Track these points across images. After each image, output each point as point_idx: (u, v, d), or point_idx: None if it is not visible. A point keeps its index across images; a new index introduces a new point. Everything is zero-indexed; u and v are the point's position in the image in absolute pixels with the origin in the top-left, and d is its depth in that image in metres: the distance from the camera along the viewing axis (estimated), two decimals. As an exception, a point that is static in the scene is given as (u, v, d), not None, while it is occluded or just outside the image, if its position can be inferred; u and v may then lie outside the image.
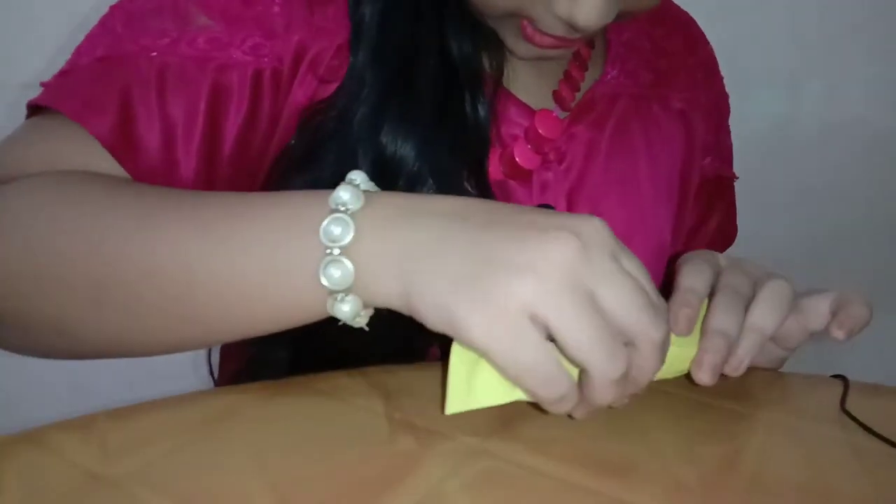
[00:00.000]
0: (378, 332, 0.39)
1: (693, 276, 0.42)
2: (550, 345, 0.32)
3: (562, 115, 0.55)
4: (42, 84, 0.43)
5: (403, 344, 0.46)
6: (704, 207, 0.68)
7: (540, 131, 0.52)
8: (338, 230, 0.34)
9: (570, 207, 0.55)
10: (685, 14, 0.67)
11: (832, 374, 0.47)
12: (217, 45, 0.43)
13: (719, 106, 0.69)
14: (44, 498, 0.30)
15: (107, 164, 0.42)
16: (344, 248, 0.34)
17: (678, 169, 0.62)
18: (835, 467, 0.36)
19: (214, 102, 0.44)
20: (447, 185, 0.47)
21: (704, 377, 0.39)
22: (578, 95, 0.57)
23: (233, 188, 0.45)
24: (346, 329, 0.37)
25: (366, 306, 0.35)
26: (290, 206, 0.36)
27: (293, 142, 0.47)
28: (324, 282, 0.34)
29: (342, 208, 0.34)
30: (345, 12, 0.48)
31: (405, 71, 0.47)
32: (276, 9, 0.45)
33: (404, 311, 0.34)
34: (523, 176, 0.53)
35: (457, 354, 0.35)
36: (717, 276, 0.43)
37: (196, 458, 0.34)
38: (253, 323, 0.38)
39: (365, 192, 0.36)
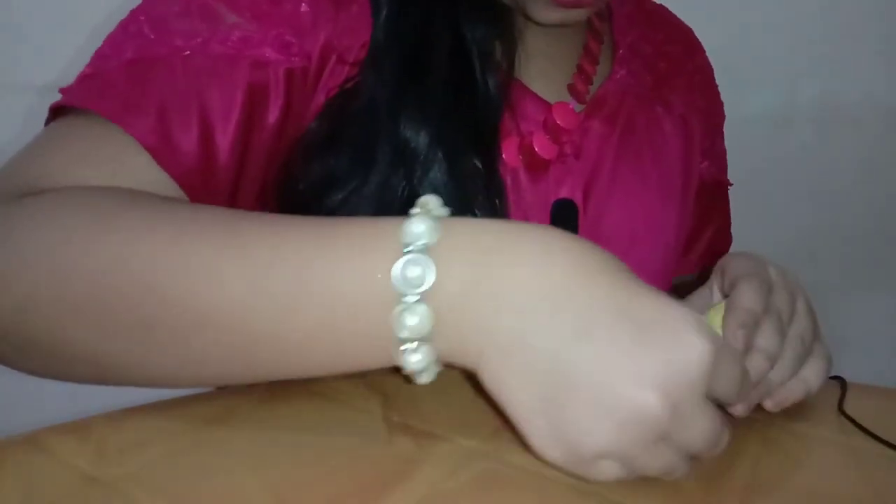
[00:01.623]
0: None
1: (752, 295, 0.40)
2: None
3: (577, 108, 0.57)
4: (62, 90, 0.42)
5: None
6: (702, 214, 0.68)
7: (558, 122, 0.53)
8: (416, 272, 0.31)
9: (585, 201, 0.56)
10: (684, 23, 0.69)
11: (830, 375, 0.47)
12: (249, 43, 0.43)
13: (715, 112, 0.70)
14: (40, 500, 0.30)
15: (141, 166, 0.40)
16: (423, 293, 0.31)
17: (680, 170, 0.63)
18: (833, 469, 0.36)
19: (250, 100, 0.43)
20: (459, 169, 0.47)
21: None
22: (591, 90, 0.58)
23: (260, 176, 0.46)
24: None
25: (439, 361, 0.33)
26: (355, 242, 0.33)
27: (314, 125, 0.48)
28: (397, 330, 0.31)
29: (417, 243, 0.31)
30: (368, 10, 0.48)
31: (421, 57, 0.48)
32: (304, 7, 0.45)
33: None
34: (541, 166, 0.54)
35: None
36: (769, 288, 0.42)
37: (193, 461, 0.33)
38: (308, 372, 0.35)
39: (442, 220, 0.32)
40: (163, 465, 0.33)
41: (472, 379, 0.44)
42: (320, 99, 0.48)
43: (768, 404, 0.41)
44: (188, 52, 0.41)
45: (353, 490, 0.32)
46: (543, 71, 0.56)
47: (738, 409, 0.39)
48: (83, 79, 0.42)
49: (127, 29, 0.43)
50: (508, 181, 0.52)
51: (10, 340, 0.35)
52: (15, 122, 0.94)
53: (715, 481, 0.34)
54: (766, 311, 0.40)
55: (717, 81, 0.71)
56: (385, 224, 0.33)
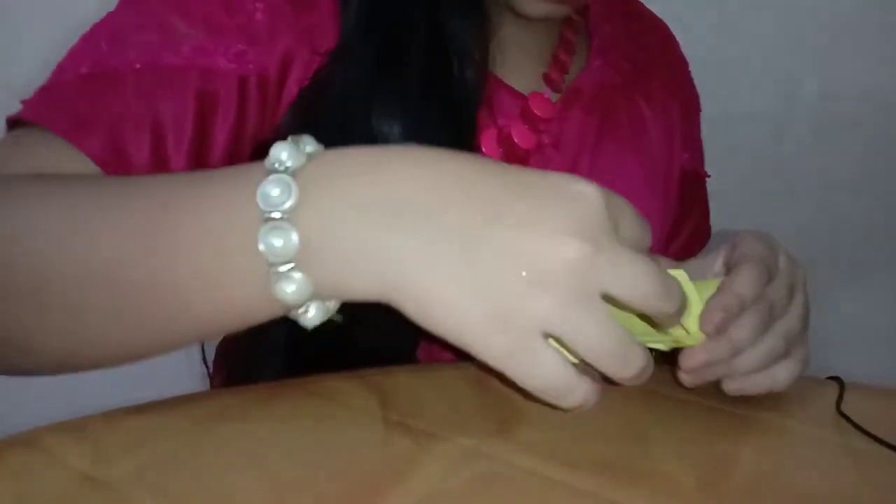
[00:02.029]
0: (364, 335, 0.40)
1: (748, 281, 0.40)
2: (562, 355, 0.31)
3: (553, 97, 0.57)
4: (23, 101, 0.42)
5: (390, 345, 0.47)
6: (684, 206, 0.68)
7: (535, 111, 0.54)
8: (276, 191, 0.29)
9: None
10: (658, 18, 0.70)
11: (828, 375, 0.47)
12: (201, 53, 0.43)
13: (692, 104, 0.70)
14: (37, 500, 0.30)
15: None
16: (289, 213, 0.30)
17: (661, 159, 0.63)
18: (831, 469, 0.36)
19: (202, 109, 0.43)
20: None
21: (707, 327, 0.38)
22: (568, 79, 0.58)
23: None
24: (336, 331, 0.35)
25: (322, 296, 0.32)
26: (227, 177, 0.33)
27: (286, 117, 0.47)
28: (261, 248, 0.29)
29: (281, 166, 0.30)
30: (333, 7, 0.48)
31: (395, 49, 0.48)
32: (259, 16, 0.45)
33: (381, 300, 0.31)
34: (520, 157, 0.54)
35: None
36: (769, 278, 0.42)
37: (191, 461, 0.33)
38: (196, 323, 0.33)
39: (309, 154, 0.32)
40: (160, 465, 0.33)
41: (470, 379, 0.44)
42: (293, 92, 0.47)
43: (728, 386, 0.41)
44: (139, 66, 0.42)
45: (351, 490, 0.32)
46: (518, 64, 0.56)
47: (684, 378, 0.40)
48: (40, 92, 0.42)
49: (87, 42, 0.43)
50: None
51: None
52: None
53: (713, 481, 0.34)
54: (758, 300, 0.40)
55: (715, 80, 0.71)
56: (257, 163, 0.32)
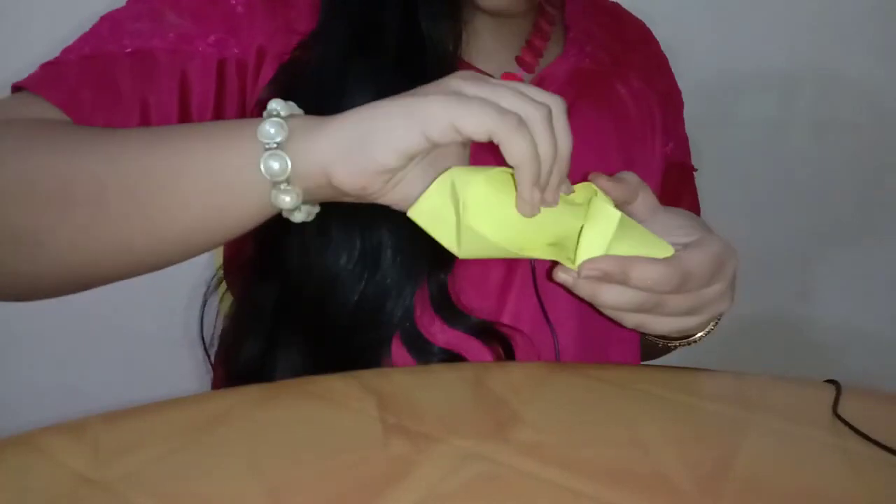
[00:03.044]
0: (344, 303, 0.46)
1: (658, 274, 0.42)
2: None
3: (526, 77, 0.57)
4: (28, 75, 0.47)
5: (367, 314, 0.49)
6: (672, 196, 0.68)
7: None
8: (273, 129, 0.39)
9: None
10: (638, 19, 0.71)
11: (825, 378, 0.47)
12: (185, 39, 0.49)
13: (674, 97, 0.71)
14: (36, 501, 0.30)
15: None
16: (280, 143, 0.39)
17: (646, 144, 0.63)
18: (827, 471, 0.36)
19: (184, 88, 0.49)
20: None
21: (586, 267, 0.42)
22: (541, 64, 0.59)
23: None
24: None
25: (300, 183, 0.40)
26: (230, 123, 0.43)
27: (262, 95, 0.51)
28: (259, 134, 0.39)
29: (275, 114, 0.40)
30: (312, 3, 0.52)
31: (369, 30, 0.51)
32: (240, 9, 0.51)
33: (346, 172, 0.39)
34: None
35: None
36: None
37: (189, 462, 0.33)
38: (202, 218, 0.41)
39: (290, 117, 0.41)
40: (159, 467, 0.33)
41: (468, 381, 0.44)
42: (268, 77, 0.51)
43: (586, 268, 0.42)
44: (130, 49, 0.48)
45: (349, 491, 0.32)
46: (491, 50, 0.57)
47: (566, 276, 0.42)
48: (45, 66, 0.48)
49: (94, 28, 0.50)
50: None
51: None
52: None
53: (710, 483, 0.34)
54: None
55: (714, 85, 0.71)
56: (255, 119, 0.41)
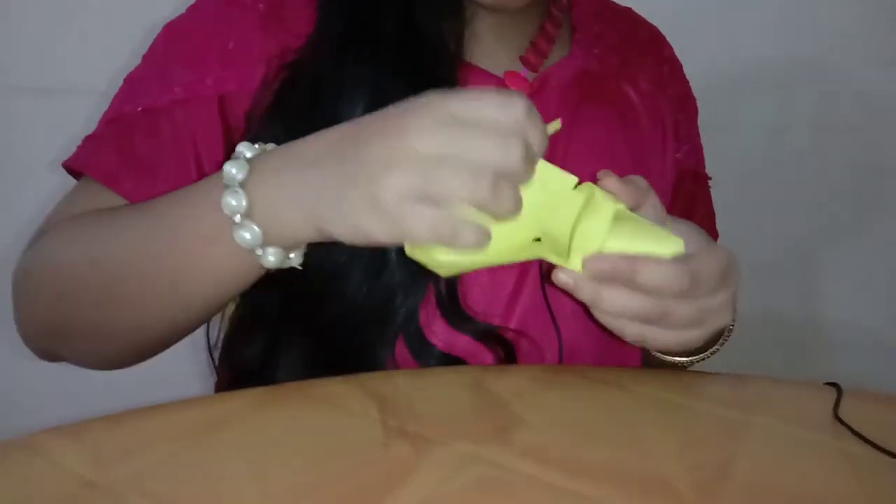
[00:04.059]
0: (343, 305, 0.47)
1: (666, 275, 0.39)
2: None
3: (530, 76, 0.57)
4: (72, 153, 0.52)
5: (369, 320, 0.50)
6: (685, 204, 0.68)
7: (509, 87, 0.54)
8: (234, 170, 0.39)
9: None
10: (652, 24, 0.70)
11: (826, 381, 0.47)
12: (188, 88, 0.51)
13: (687, 104, 0.70)
14: (36, 505, 0.30)
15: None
16: (241, 182, 0.39)
17: (655, 146, 0.63)
18: (828, 474, 0.36)
19: (195, 132, 0.51)
20: None
21: (590, 262, 0.39)
22: (546, 64, 0.58)
23: None
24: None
25: (278, 243, 0.40)
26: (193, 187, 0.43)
27: (257, 97, 0.51)
28: (223, 209, 0.39)
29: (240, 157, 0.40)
30: (312, 7, 0.52)
31: (367, 33, 0.51)
32: (232, 45, 0.52)
33: (315, 238, 0.39)
34: None
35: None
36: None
37: (190, 465, 0.33)
38: (184, 276, 0.43)
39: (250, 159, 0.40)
40: (159, 470, 0.33)
41: (469, 384, 0.44)
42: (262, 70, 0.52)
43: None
44: (140, 109, 0.51)
45: (350, 494, 0.32)
46: (493, 51, 0.57)
47: (567, 277, 0.40)
48: (86, 140, 0.52)
49: (118, 92, 0.53)
50: None
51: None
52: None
53: (711, 486, 0.34)
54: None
55: (714, 87, 0.71)
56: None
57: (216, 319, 0.58)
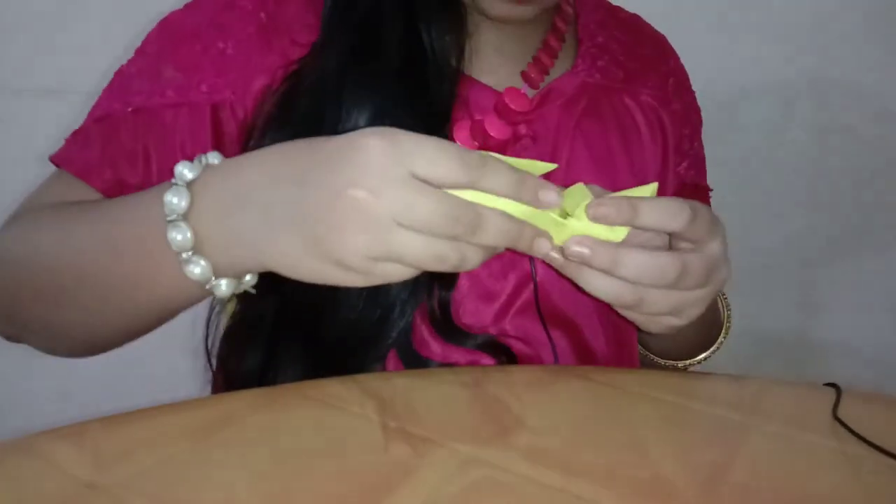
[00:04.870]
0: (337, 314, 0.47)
1: (664, 210, 0.40)
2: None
3: (531, 93, 0.57)
4: (65, 141, 0.52)
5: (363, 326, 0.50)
6: None
7: (509, 104, 0.53)
8: (174, 199, 0.38)
9: None
10: (658, 32, 0.70)
11: (825, 382, 0.47)
12: (181, 93, 0.51)
13: (692, 117, 0.69)
14: (35, 507, 0.30)
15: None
16: (184, 214, 0.38)
17: (656, 161, 0.62)
18: (827, 475, 0.36)
19: (184, 138, 0.51)
20: None
21: (591, 209, 0.39)
22: (547, 79, 0.58)
23: None
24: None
25: (229, 275, 0.40)
26: (135, 199, 0.43)
27: (259, 106, 0.51)
28: (170, 245, 0.38)
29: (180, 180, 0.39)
30: (314, 16, 0.52)
31: (369, 42, 0.51)
32: (230, 51, 0.51)
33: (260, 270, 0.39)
34: (497, 149, 0.53)
35: None
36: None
37: (189, 467, 0.33)
38: (131, 297, 0.43)
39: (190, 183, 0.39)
40: (159, 472, 0.33)
41: (468, 385, 0.44)
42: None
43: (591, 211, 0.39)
44: (130, 109, 0.51)
45: (350, 496, 0.32)
46: (495, 65, 0.57)
47: (556, 256, 0.39)
48: (72, 135, 0.52)
49: (109, 86, 0.53)
50: None
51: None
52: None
53: (710, 487, 0.34)
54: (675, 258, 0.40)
55: (713, 90, 0.71)
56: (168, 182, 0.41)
57: (216, 320, 0.58)
